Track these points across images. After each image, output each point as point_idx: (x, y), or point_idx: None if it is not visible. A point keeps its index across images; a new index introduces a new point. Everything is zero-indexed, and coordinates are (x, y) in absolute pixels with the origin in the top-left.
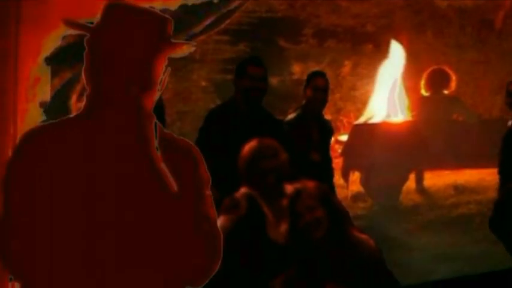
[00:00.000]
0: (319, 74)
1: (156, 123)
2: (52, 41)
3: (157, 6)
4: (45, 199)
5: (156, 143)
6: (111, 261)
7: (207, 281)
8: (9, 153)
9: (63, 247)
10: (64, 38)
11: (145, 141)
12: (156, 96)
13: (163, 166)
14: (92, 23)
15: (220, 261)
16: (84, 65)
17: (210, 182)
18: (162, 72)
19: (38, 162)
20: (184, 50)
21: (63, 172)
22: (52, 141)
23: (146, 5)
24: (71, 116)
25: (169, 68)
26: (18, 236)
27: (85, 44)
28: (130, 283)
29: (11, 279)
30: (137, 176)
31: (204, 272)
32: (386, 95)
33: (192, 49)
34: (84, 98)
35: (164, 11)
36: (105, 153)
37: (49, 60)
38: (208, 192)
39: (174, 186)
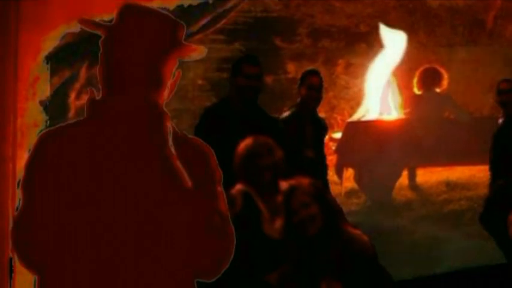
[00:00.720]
0: (314, 73)
1: (170, 121)
2: (51, 40)
3: (156, 5)
4: (63, 198)
5: (170, 140)
6: (124, 256)
7: (219, 275)
8: (10, 150)
9: (79, 244)
10: (63, 37)
11: (159, 138)
12: (166, 97)
13: (177, 163)
14: (108, 22)
15: (232, 256)
16: (99, 65)
17: (222, 179)
18: (172, 75)
19: (55, 163)
20: (197, 53)
21: (79, 172)
22: (68, 142)
23: (145, 5)
24: (85, 117)
25: (180, 71)
26: (38, 233)
27: (100, 45)
28: (142, 277)
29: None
30: (152, 172)
31: (215, 266)
32: (380, 93)
33: (204, 53)
34: (95, 97)
35: (162, 10)
36: (120, 151)
37: (48, 59)
38: (220, 189)
39: (188, 182)
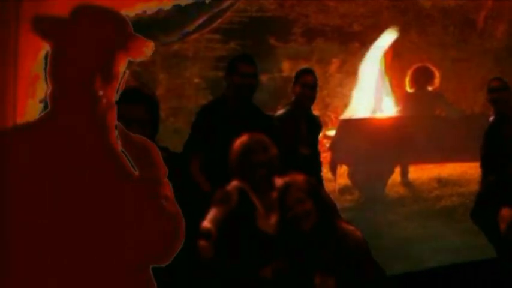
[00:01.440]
0: (308, 72)
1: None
2: None
3: (153, 6)
4: (17, 196)
5: (116, 133)
6: (76, 247)
7: (171, 259)
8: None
9: (32, 241)
10: None
11: (106, 128)
12: (115, 93)
13: (122, 152)
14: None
15: (183, 238)
16: (49, 63)
17: (167, 174)
18: (121, 72)
19: (9, 163)
20: (146, 53)
21: (32, 171)
22: (22, 141)
23: (143, 6)
24: (38, 117)
25: (127, 72)
26: None
27: (48, 45)
28: (93, 267)
29: None
30: (97, 160)
31: (166, 249)
32: (373, 91)
33: (151, 51)
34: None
35: (159, 11)
36: (70, 145)
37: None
38: (166, 180)
39: (133, 171)
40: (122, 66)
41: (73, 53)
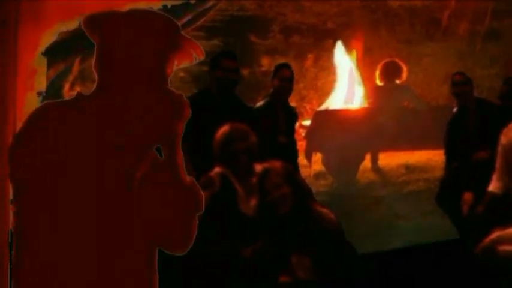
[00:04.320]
0: (285, 66)
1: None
2: (48, 36)
3: (142, 6)
4: (46, 174)
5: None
6: (92, 231)
7: (186, 249)
8: (10, 139)
9: (57, 218)
10: (59, 34)
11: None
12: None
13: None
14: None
15: (195, 230)
16: (95, 60)
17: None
18: (170, 75)
19: (43, 137)
20: (193, 58)
21: (63, 149)
22: (60, 119)
23: (131, 6)
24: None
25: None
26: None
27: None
28: (110, 246)
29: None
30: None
31: (183, 240)
32: (345, 84)
33: (199, 57)
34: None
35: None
36: (99, 124)
37: (45, 53)
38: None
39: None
40: (171, 69)
41: (124, 51)
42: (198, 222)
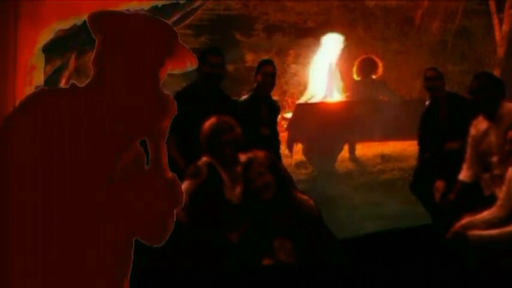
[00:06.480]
0: (268, 62)
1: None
2: (46, 34)
3: (134, 5)
4: (35, 158)
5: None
6: (67, 220)
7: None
8: None
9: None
10: (56, 32)
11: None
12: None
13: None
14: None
15: (174, 219)
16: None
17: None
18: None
19: (35, 123)
20: (186, 66)
21: (54, 134)
22: (53, 104)
23: (124, 6)
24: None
25: None
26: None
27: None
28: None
29: None
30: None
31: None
32: (325, 79)
33: (192, 66)
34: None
35: (140, 10)
36: (90, 117)
37: (43, 50)
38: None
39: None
40: (164, 73)
41: (124, 51)
42: (175, 216)
